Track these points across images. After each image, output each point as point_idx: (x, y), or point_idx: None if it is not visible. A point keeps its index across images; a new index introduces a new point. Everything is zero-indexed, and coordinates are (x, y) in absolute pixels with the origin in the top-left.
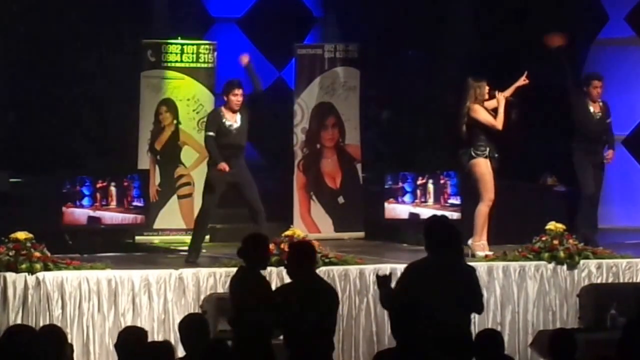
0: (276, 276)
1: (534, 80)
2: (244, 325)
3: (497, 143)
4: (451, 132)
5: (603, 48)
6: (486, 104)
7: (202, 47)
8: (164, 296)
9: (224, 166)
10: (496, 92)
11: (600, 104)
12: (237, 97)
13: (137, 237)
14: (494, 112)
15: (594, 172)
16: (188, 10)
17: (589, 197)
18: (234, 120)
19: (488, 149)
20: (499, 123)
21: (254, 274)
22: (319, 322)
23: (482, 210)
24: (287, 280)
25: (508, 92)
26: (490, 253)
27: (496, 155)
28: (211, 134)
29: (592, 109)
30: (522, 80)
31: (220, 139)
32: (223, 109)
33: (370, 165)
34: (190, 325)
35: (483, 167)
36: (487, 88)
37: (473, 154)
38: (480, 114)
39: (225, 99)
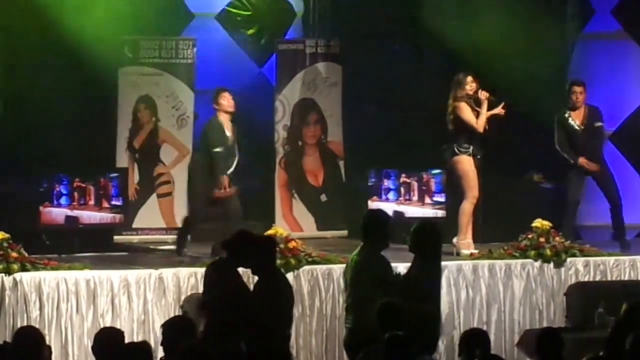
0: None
1: (520, 74)
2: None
3: (482, 140)
4: (436, 128)
5: (589, 42)
6: (481, 94)
7: (181, 42)
8: (143, 297)
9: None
10: (479, 92)
11: (584, 109)
12: (227, 100)
13: (115, 237)
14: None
15: (582, 179)
16: (167, 5)
17: (571, 201)
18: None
19: (471, 147)
20: (480, 125)
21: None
22: (273, 316)
23: (467, 208)
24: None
25: (487, 114)
26: (476, 251)
27: (479, 155)
28: (218, 150)
29: (573, 122)
30: (499, 110)
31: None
32: (220, 118)
33: (353, 162)
34: (175, 327)
35: (466, 164)
36: (474, 83)
37: (456, 150)
38: (464, 113)
39: (217, 106)
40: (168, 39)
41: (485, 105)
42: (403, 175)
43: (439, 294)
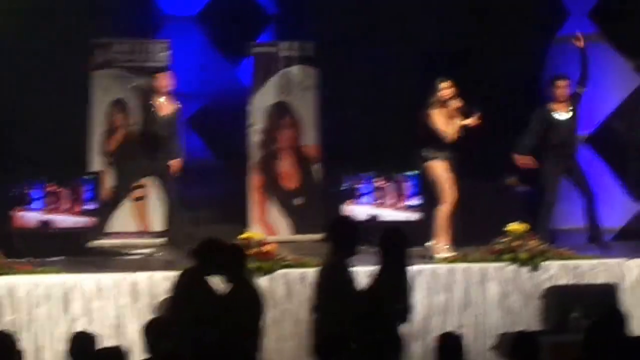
0: None
1: (494, 77)
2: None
3: (456, 144)
4: (411, 132)
5: (564, 45)
6: (452, 103)
7: (155, 45)
8: (117, 301)
9: None
10: (452, 100)
11: (569, 103)
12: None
13: (89, 241)
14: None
15: (559, 180)
16: (140, 7)
17: (547, 203)
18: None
19: (443, 152)
20: (449, 133)
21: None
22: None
23: (443, 211)
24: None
25: (463, 122)
26: (451, 255)
27: (451, 159)
28: None
29: (557, 115)
30: (474, 120)
31: None
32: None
33: (328, 166)
34: (154, 330)
35: (439, 169)
36: (450, 89)
37: (429, 156)
38: (436, 119)
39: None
40: (141, 41)
41: (457, 117)
42: (378, 178)
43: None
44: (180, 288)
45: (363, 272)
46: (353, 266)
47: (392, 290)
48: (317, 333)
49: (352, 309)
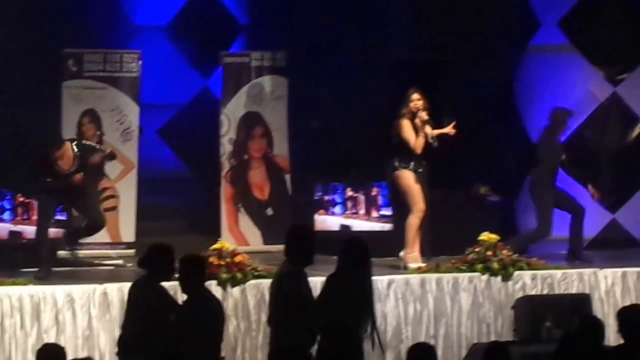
0: None
1: (466, 87)
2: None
3: (425, 155)
4: (382, 142)
5: (535, 54)
6: (421, 115)
7: (126, 55)
8: (88, 312)
9: None
10: (419, 112)
11: None
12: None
13: (59, 252)
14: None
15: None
16: (111, 17)
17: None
18: None
19: (412, 162)
20: (417, 146)
21: (155, 285)
22: (202, 337)
23: (413, 221)
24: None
25: (433, 133)
26: (423, 265)
27: (420, 169)
28: None
29: (557, 147)
30: (449, 129)
31: None
32: None
33: (300, 176)
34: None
35: (408, 179)
36: (420, 101)
37: (397, 165)
38: (404, 130)
39: None
40: (112, 52)
41: (423, 129)
42: (349, 189)
43: (366, 307)
44: (135, 301)
45: (321, 282)
46: (307, 275)
47: (352, 301)
48: (274, 345)
49: (308, 320)
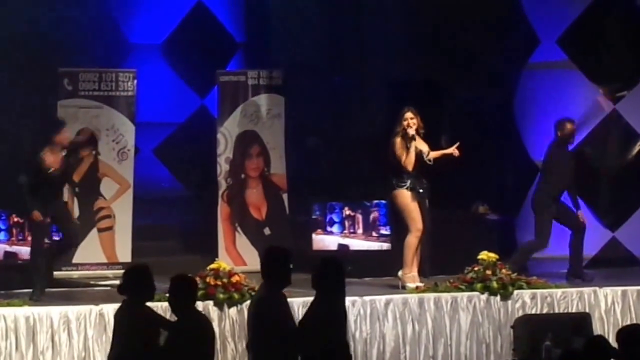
0: (202, 310)
1: (466, 105)
2: None
3: (423, 173)
4: (380, 161)
5: (535, 72)
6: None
7: (122, 74)
8: (84, 333)
9: None
10: (409, 129)
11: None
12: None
13: (55, 272)
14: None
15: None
16: (106, 36)
17: (538, 245)
18: None
19: (409, 181)
20: (408, 163)
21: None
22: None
23: (411, 241)
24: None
25: (435, 154)
26: (421, 284)
27: (421, 189)
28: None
29: (568, 157)
30: (453, 149)
31: None
32: None
33: (297, 195)
34: None
35: (405, 198)
36: (413, 119)
37: (395, 185)
38: (396, 148)
39: None
40: (108, 70)
41: (413, 144)
42: (347, 208)
43: (342, 331)
44: (120, 325)
45: (300, 303)
46: (286, 297)
47: (327, 322)
48: None
49: (288, 344)
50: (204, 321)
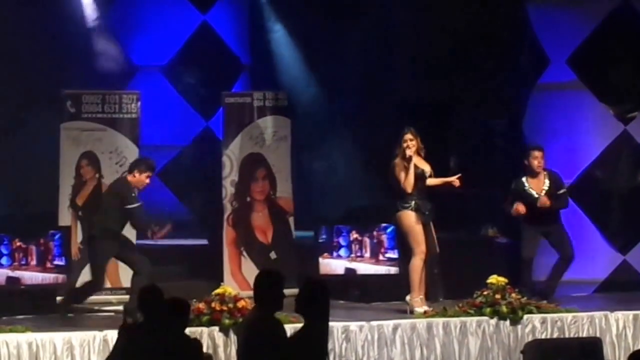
0: (207, 336)
1: (475, 126)
2: None
3: (428, 195)
4: (387, 183)
5: (545, 92)
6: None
7: (125, 96)
8: (87, 359)
9: None
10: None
11: (544, 175)
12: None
13: (58, 298)
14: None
15: (538, 238)
16: (110, 57)
17: (525, 260)
18: None
19: (413, 202)
20: (407, 184)
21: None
22: None
23: (416, 264)
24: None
25: (436, 181)
26: (429, 309)
27: (426, 212)
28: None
29: (532, 190)
30: (454, 179)
31: None
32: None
33: (304, 218)
34: None
35: (410, 220)
36: (413, 140)
37: (399, 206)
38: (396, 169)
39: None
40: (111, 92)
41: (411, 165)
42: (354, 231)
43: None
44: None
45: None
46: (279, 321)
47: (312, 346)
48: None
49: None
50: (195, 343)
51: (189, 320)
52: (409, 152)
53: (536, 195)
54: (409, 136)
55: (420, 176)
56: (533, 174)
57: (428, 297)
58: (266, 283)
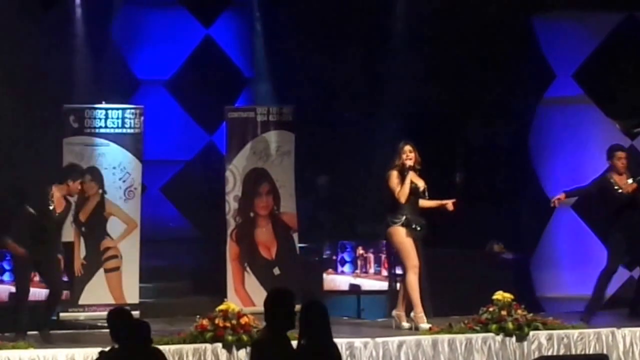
0: (211, 353)
1: (481, 140)
2: None
3: (419, 210)
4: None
5: (551, 106)
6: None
7: (128, 111)
8: None
9: None
10: (405, 162)
11: (628, 175)
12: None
13: (61, 314)
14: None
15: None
16: (112, 72)
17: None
18: None
19: (404, 217)
20: (402, 195)
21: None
22: None
23: (411, 279)
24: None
25: (430, 203)
26: (427, 325)
27: (418, 227)
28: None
29: (617, 184)
30: (449, 203)
31: None
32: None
33: (308, 234)
34: None
35: (400, 235)
36: (411, 153)
37: (389, 222)
38: (390, 181)
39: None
40: (114, 107)
41: (408, 176)
42: (359, 247)
43: None
44: None
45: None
46: (289, 340)
47: None
48: None
49: None
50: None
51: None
52: (409, 163)
53: (622, 191)
54: (408, 148)
55: (414, 191)
56: (619, 173)
57: (434, 313)
58: (277, 302)
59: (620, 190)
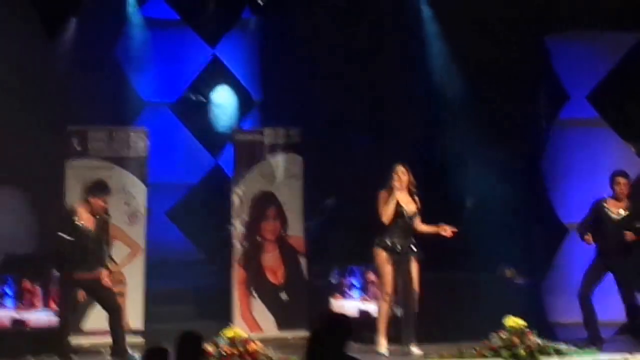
0: None
1: (495, 162)
2: None
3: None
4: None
5: (565, 129)
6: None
7: (133, 134)
8: None
9: None
10: (395, 183)
11: (627, 202)
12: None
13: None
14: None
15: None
16: (117, 93)
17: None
18: None
19: (388, 239)
20: (385, 215)
21: None
22: None
23: (381, 307)
24: None
25: (428, 229)
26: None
27: (402, 250)
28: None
29: (612, 211)
30: (448, 231)
31: None
32: None
33: (315, 258)
34: None
35: (380, 258)
36: (404, 175)
37: (375, 243)
38: (379, 202)
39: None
40: (119, 129)
41: (393, 197)
42: (368, 271)
43: None
44: None
45: None
46: None
47: None
48: None
49: None
50: None
51: None
52: (396, 184)
53: (613, 216)
54: (400, 169)
55: (399, 213)
56: (617, 199)
57: (398, 339)
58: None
59: (611, 215)
